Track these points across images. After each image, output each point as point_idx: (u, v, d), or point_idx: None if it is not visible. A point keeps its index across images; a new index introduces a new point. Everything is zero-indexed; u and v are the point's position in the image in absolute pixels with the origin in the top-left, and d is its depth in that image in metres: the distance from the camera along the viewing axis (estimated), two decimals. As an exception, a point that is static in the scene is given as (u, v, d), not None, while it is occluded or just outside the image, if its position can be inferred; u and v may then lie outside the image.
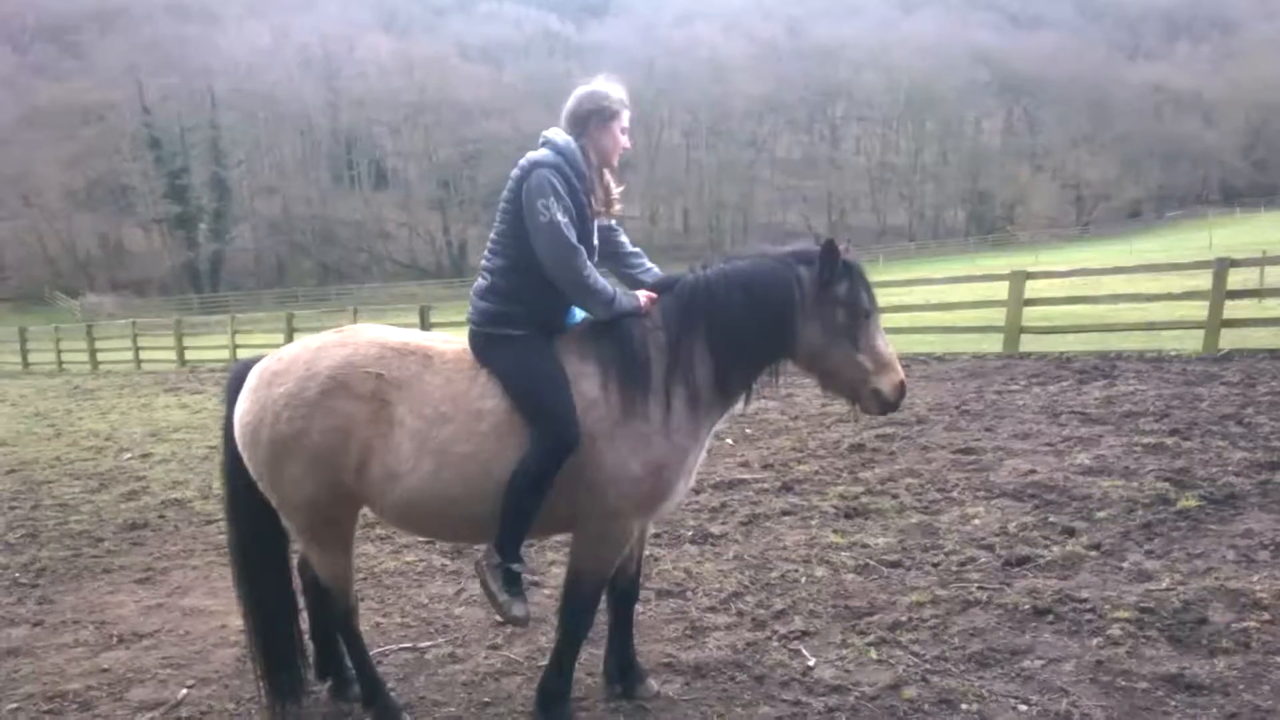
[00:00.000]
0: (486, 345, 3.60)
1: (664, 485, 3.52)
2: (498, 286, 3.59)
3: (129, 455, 11.12)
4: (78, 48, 78.60)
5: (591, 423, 3.43)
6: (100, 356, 29.41)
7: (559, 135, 3.60)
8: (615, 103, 3.63)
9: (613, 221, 3.84)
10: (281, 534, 3.96)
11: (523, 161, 3.53)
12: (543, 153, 3.55)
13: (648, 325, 3.57)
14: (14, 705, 4.30)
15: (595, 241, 3.69)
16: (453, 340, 3.85)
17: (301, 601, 4.18)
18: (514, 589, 3.51)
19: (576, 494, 3.49)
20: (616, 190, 3.78)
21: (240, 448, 3.69)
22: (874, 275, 3.53)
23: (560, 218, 3.39)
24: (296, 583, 4.13)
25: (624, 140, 3.69)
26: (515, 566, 3.49)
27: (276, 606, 3.96)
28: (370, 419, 3.50)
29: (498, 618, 3.63)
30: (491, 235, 3.66)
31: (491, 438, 3.44)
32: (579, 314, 3.75)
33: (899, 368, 3.53)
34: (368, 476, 3.52)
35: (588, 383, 3.50)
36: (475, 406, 3.48)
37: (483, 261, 3.69)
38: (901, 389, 3.50)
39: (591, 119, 3.61)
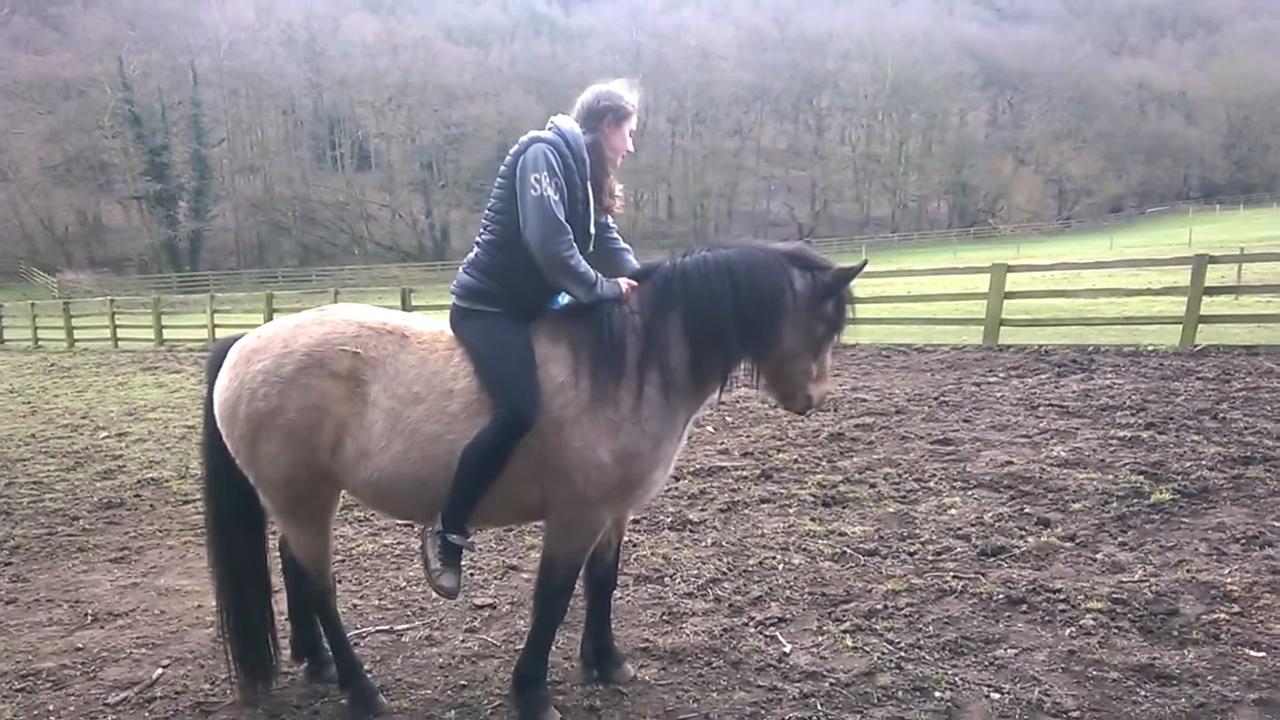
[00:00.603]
0: (461, 319, 3.60)
1: (635, 475, 3.49)
2: (480, 261, 3.59)
3: (105, 434, 11.04)
4: (59, 21, 77.44)
5: (557, 408, 3.40)
6: (77, 334, 29.10)
7: (566, 122, 3.60)
8: (629, 105, 3.64)
9: (608, 219, 3.83)
10: (259, 514, 3.94)
11: (524, 138, 3.53)
12: (546, 132, 3.55)
13: (625, 310, 3.55)
14: (-15, 683, 4.27)
15: (591, 230, 3.67)
16: (431, 321, 3.83)
17: (279, 582, 4.17)
18: (450, 560, 3.51)
19: (544, 480, 3.48)
20: (618, 189, 3.80)
21: (219, 424, 3.68)
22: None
23: (551, 194, 3.37)
24: (272, 564, 4.12)
25: (629, 144, 3.72)
26: (454, 538, 3.47)
27: (250, 586, 3.96)
28: (345, 397, 3.49)
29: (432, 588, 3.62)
30: (486, 209, 3.65)
31: (461, 418, 3.42)
32: (562, 301, 3.70)
33: (830, 380, 3.70)
34: (342, 455, 3.51)
35: (557, 366, 3.47)
36: (447, 386, 3.47)
37: (475, 235, 3.69)
38: (825, 397, 3.70)
39: (606, 116, 3.61)
